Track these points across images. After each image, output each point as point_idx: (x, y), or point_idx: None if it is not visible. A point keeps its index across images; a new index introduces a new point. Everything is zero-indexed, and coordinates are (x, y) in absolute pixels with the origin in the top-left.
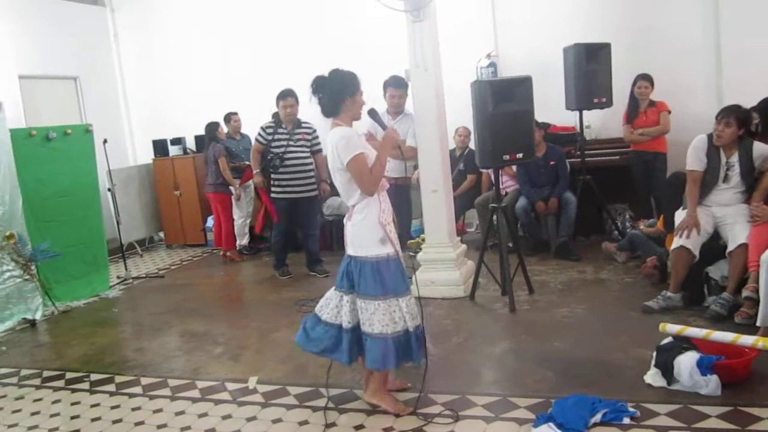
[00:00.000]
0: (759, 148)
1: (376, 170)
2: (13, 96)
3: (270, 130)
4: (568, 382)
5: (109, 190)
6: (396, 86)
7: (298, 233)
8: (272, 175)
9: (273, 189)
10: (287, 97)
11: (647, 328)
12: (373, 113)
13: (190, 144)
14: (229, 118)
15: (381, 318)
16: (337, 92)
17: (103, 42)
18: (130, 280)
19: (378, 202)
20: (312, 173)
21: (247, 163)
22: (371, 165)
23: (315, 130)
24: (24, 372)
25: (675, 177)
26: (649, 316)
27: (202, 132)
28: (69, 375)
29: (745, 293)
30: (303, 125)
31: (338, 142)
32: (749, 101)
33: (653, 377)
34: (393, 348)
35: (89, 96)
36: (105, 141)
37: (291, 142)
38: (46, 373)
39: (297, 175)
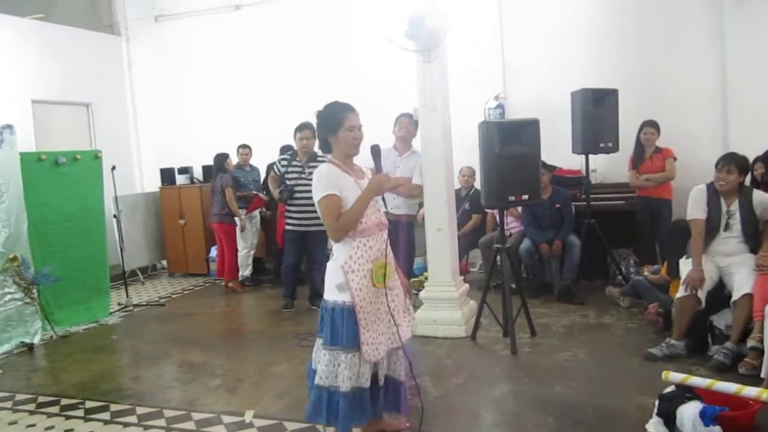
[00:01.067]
0: (759, 195)
1: (347, 216)
2: (25, 120)
3: (285, 162)
4: (569, 428)
5: (114, 216)
6: (410, 118)
7: (303, 265)
8: (286, 206)
9: (285, 220)
10: (304, 129)
11: (650, 376)
12: (374, 152)
13: (198, 174)
14: (238, 150)
15: (324, 368)
16: (321, 130)
17: (116, 70)
18: (131, 308)
19: (350, 247)
20: None
21: (255, 192)
22: (346, 209)
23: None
24: (19, 397)
25: (676, 224)
26: (651, 363)
27: (210, 162)
28: (64, 401)
29: (750, 343)
30: (318, 158)
31: (314, 180)
32: (755, 151)
33: (655, 426)
34: (325, 403)
35: (100, 122)
36: (113, 168)
37: (303, 175)
38: (41, 399)
39: (307, 208)
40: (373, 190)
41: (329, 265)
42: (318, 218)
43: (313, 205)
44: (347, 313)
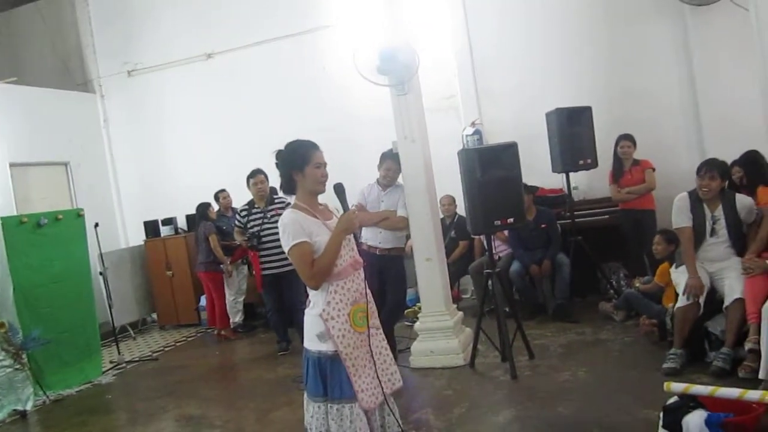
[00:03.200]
0: (741, 199)
1: (322, 261)
2: (4, 183)
3: (244, 213)
4: None
5: (100, 273)
6: (395, 160)
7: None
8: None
9: (260, 265)
10: (256, 175)
11: (651, 388)
12: (338, 190)
13: (182, 224)
14: (217, 196)
15: (318, 424)
16: (286, 167)
17: (93, 127)
18: (124, 365)
19: (327, 293)
20: None
21: (237, 243)
22: (319, 254)
23: (289, 203)
24: None
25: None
26: (651, 375)
27: (193, 211)
28: None
29: (747, 346)
30: (276, 201)
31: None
32: (731, 155)
33: None
34: None
35: (80, 180)
36: (96, 225)
37: (266, 220)
38: None
39: (275, 251)
40: (344, 229)
41: (307, 313)
42: (288, 259)
43: (280, 247)
44: (334, 363)
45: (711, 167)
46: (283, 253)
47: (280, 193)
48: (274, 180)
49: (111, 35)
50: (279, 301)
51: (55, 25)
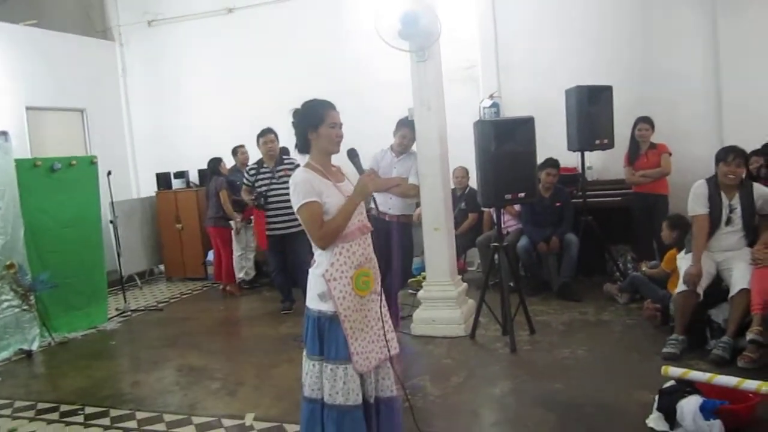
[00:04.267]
0: (759, 188)
1: (333, 224)
2: (20, 127)
3: (253, 171)
4: (570, 425)
5: (111, 222)
6: (411, 128)
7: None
8: (266, 212)
9: (266, 226)
10: (267, 134)
11: (649, 371)
12: (351, 155)
13: (194, 178)
14: (236, 151)
15: (311, 382)
16: (301, 126)
17: (111, 75)
18: (129, 313)
19: (332, 254)
20: None
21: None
22: (331, 216)
23: (298, 165)
24: (18, 404)
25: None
26: (650, 358)
27: (206, 166)
28: (63, 407)
29: (749, 336)
30: (285, 161)
31: (291, 188)
32: (749, 144)
33: (656, 421)
34: (319, 417)
35: (95, 128)
36: (109, 173)
37: (274, 180)
38: (40, 405)
39: (281, 211)
40: (360, 193)
41: (311, 272)
42: (295, 220)
43: (288, 208)
44: (332, 323)
45: (740, 154)
46: (289, 213)
47: (293, 154)
48: (285, 140)
49: None
50: (283, 262)
51: None
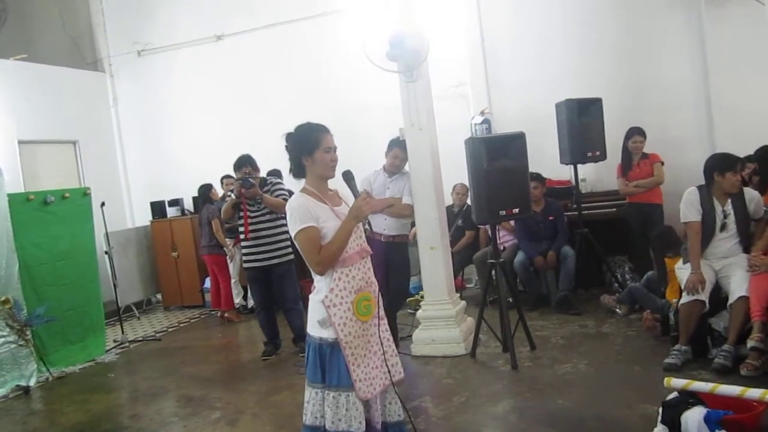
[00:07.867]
0: (749, 192)
1: (331, 248)
2: (12, 161)
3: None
4: None
5: (106, 252)
6: (402, 148)
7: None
8: (241, 244)
9: (243, 258)
10: (245, 166)
11: (651, 383)
12: (347, 177)
13: (188, 205)
14: (222, 181)
15: (314, 410)
16: (295, 151)
17: (102, 106)
18: (127, 344)
19: (331, 279)
20: (285, 236)
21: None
22: (327, 241)
23: (275, 183)
24: None
25: (663, 232)
26: (652, 370)
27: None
28: None
29: (750, 344)
30: (267, 183)
31: (288, 214)
32: (741, 151)
33: None
34: None
35: (88, 159)
36: (103, 204)
37: (254, 209)
38: None
39: (264, 240)
40: (354, 216)
41: (311, 298)
42: (281, 250)
43: (273, 236)
44: (334, 350)
45: (743, 161)
46: (274, 242)
47: (286, 178)
48: (278, 164)
49: (122, 15)
50: (267, 298)
51: (66, 2)
